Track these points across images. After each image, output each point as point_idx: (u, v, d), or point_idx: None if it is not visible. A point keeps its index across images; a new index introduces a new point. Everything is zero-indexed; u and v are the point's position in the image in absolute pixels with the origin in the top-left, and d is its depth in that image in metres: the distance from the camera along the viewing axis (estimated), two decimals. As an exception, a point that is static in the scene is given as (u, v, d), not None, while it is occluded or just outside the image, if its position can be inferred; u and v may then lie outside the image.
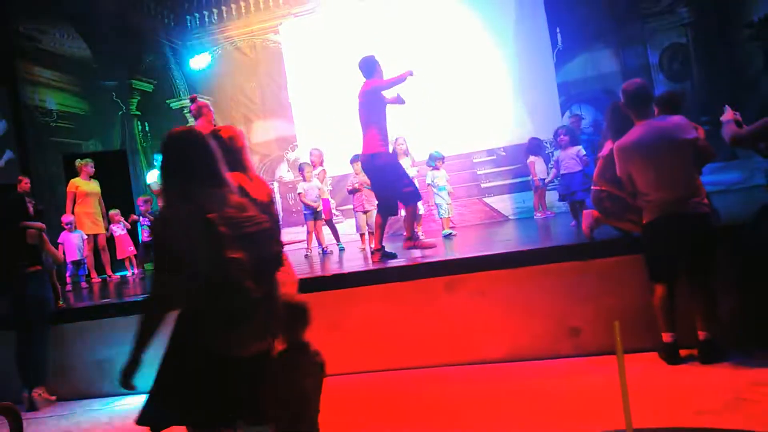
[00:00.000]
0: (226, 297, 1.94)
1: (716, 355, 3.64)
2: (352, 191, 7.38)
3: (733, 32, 8.43)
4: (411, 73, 5.21)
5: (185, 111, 10.92)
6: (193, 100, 5.62)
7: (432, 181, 7.64)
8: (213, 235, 1.91)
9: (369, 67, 5.35)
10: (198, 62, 10.74)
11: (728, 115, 3.77)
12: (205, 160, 2.11)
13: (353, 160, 7.41)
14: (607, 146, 4.31)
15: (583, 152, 6.62)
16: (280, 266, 2.20)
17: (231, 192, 2.13)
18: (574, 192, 6.45)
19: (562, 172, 6.57)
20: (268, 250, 2.09)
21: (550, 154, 7.79)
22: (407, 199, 5.30)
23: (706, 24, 8.61)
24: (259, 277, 2.02)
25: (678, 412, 3.04)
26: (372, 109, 5.27)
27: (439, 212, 7.68)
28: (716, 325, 3.70)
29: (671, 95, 4.57)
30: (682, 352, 3.76)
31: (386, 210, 5.41)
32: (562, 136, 6.57)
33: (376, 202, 5.77)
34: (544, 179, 8.08)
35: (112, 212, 8.38)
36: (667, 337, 3.77)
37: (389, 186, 5.28)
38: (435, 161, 7.62)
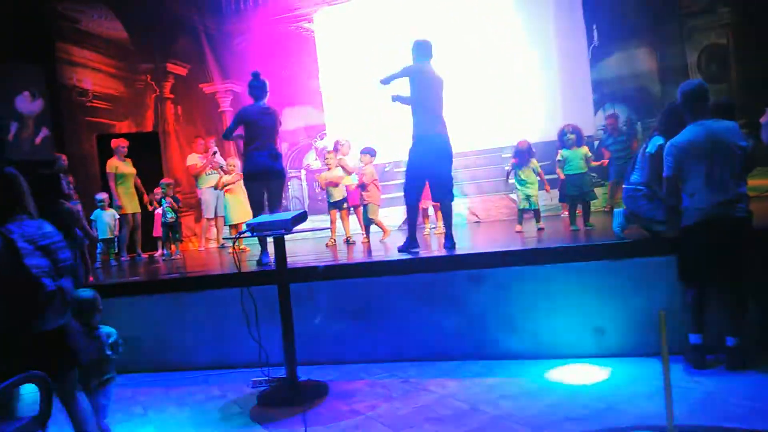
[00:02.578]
0: (28, 291, 2.68)
1: (744, 361, 3.59)
2: (364, 185, 7.34)
3: (774, 35, 8.21)
4: None
5: (218, 96, 11.03)
6: (257, 75, 5.68)
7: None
8: (11, 249, 2.66)
9: (427, 50, 5.35)
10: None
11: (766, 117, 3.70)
12: (8, 196, 2.83)
13: (364, 153, 7.41)
14: (654, 143, 4.23)
15: (590, 154, 6.49)
16: (72, 268, 2.99)
17: (31, 217, 2.86)
18: (587, 192, 6.34)
19: (571, 172, 6.40)
20: (60, 257, 2.85)
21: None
22: (451, 189, 5.25)
23: (747, 25, 8.39)
24: (54, 275, 2.78)
25: (703, 417, 3.00)
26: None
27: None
28: (745, 331, 3.65)
29: (729, 104, 4.55)
30: (709, 357, 3.72)
31: (415, 195, 5.32)
32: (569, 135, 6.44)
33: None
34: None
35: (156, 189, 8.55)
36: (694, 339, 3.73)
37: (448, 170, 5.23)
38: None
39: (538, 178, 6.86)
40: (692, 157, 3.69)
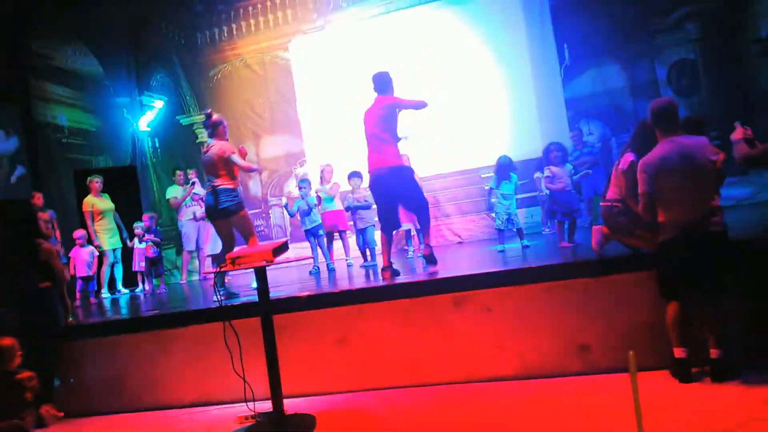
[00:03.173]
0: None
1: (729, 373, 3.61)
2: (357, 209, 7.35)
3: (741, 48, 8.43)
4: (426, 105, 5.35)
5: (195, 127, 11.02)
6: (209, 115, 5.59)
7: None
8: None
9: (385, 82, 5.41)
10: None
11: (738, 133, 3.76)
12: None
13: (351, 176, 7.42)
14: (626, 159, 4.30)
15: (572, 170, 6.56)
16: None
17: None
18: (577, 209, 6.38)
19: (559, 188, 6.43)
20: None
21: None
22: (426, 207, 5.42)
23: (714, 40, 8.60)
24: None
25: (689, 431, 3.00)
26: (391, 123, 5.34)
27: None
28: (728, 343, 3.67)
29: (699, 119, 4.71)
30: (694, 370, 3.73)
31: (389, 225, 5.44)
32: (555, 153, 6.50)
33: (375, 218, 5.75)
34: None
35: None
36: (679, 353, 3.75)
37: (417, 194, 5.41)
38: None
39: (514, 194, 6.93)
40: (665, 173, 3.74)
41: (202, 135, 10.90)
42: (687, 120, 4.54)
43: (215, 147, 5.45)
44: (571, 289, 4.25)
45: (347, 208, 7.48)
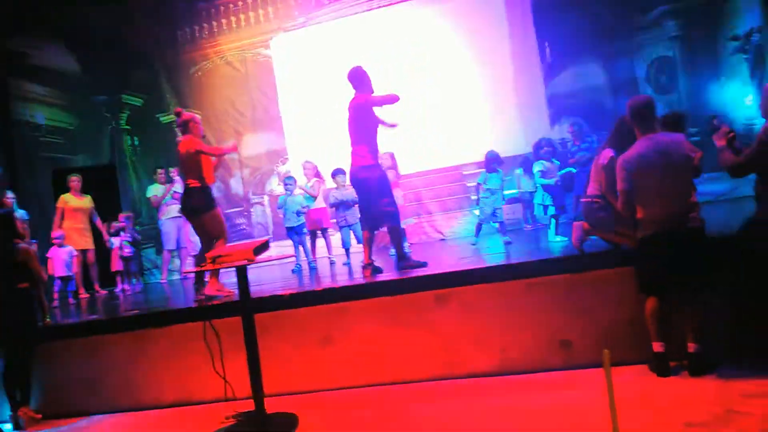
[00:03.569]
0: None
1: (706, 367, 3.66)
2: (341, 206, 7.33)
3: (719, 45, 8.53)
4: (398, 98, 5.24)
5: (175, 125, 10.91)
6: (178, 114, 5.41)
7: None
8: None
9: (358, 78, 5.35)
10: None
11: (721, 140, 3.77)
12: None
13: (335, 174, 7.41)
14: (605, 155, 4.33)
15: (559, 166, 6.60)
16: None
17: None
18: (564, 205, 6.44)
19: (550, 183, 6.49)
20: None
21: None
22: (384, 218, 5.26)
23: (693, 37, 8.70)
24: None
25: (667, 424, 3.03)
26: (363, 122, 5.26)
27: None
28: (706, 337, 3.71)
29: (677, 115, 4.75)
30: (672, 364, 3.77)
31: (371, 223, 5.39)
32: (546, 148, 6.54)
33: (359, 216, 5.68)
34: (533, 192, 8.12)
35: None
36: (657, 347, 3.78)
37: (373, 200, 5.24)
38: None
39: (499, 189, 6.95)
40: (643, 170, 3.78)
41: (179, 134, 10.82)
42: (665, 117, 4.63)
43: (181, 144, 5.34)
44: (552, 285, 4.27)
45: (332, 205, 7.45)
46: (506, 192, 7.21)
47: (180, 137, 5.47)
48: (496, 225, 6.94)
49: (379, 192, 5.23)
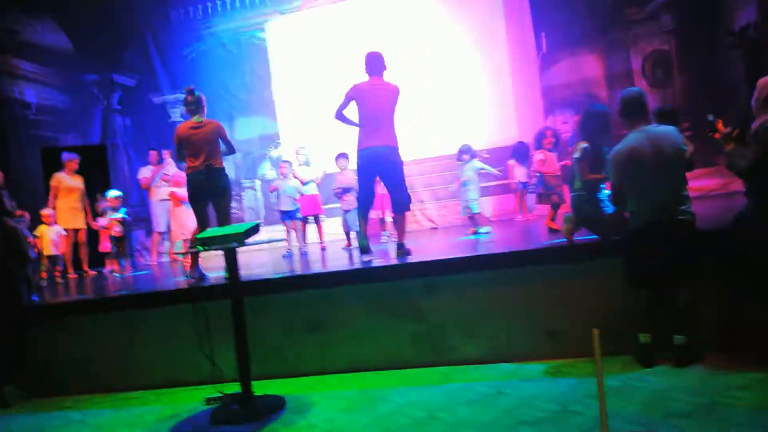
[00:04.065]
0: None
1: (691, 358, 3.69)
2: (345, 190, 7.32)
3: (714, 40, 8.53)
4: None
5: (168, 106, 10.83)
6: (191, 91, 5.34)
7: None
8: None
9: (383, 65, 5.37)
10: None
11: (730, 144, 3.69)
12: None
13: (339, 158, 7.39)
14: (579, 147, 4.40)
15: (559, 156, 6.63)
16: None
17: None
18: (562, 194, 6.46)
19: (549, 171, 6.48)
20: None
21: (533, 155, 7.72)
22: (408, 201, 5.37)
23: (689, 31, 8.69)
24: None
25: (651, 414, 3.06)
26: (394, 108, 5.32)
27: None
28: (692, 330, 3.74)
29: (671, 110, 4.83)
30: (657, 355, 3.80)
31: (397, 205, 5.40)
32: (550, 138, 6.56)
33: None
34: (526, 182, 8.14)
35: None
36: (643, 339, 3.81)
37: (399, 182, 5.32)
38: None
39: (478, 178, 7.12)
40: (635, 162, 3.78)
41: (175, 114, 10.73)
42: (660, 110, 4.67)
43: (213, 124, 5.36)
44: (542, 275, 4.28)
45: (342, 191, 7.40)
46: (495, 183, 7.23)
47: (197, 116, 5.36)
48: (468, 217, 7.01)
49: (403, 176, 5.36)
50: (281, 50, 10.43)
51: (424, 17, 9.67)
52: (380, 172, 5.35)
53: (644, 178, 3.76)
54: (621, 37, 9.05)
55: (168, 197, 8.18)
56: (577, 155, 4.42)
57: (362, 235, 5.35)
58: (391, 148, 5.26)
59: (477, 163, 7.25)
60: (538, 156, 6.54)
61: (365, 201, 5.44)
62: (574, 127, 8.41)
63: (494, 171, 7.47)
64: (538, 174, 6.70)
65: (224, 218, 5.42)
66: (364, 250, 5.27)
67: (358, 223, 5.31)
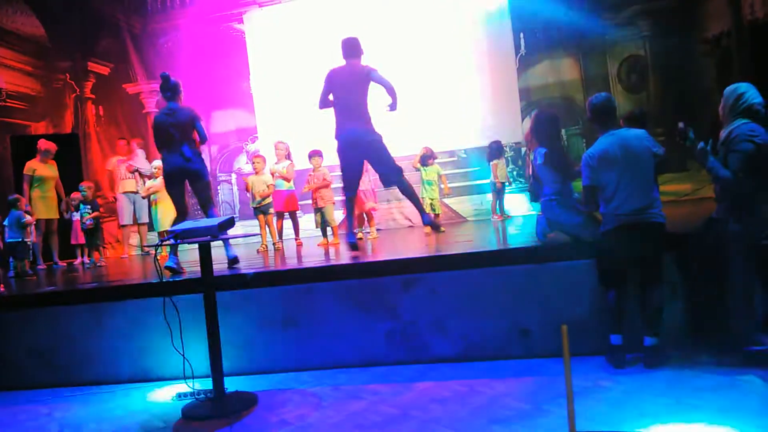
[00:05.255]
0: None
1: (661, 359, 3.75)
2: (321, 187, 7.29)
3: (688, 47, 8.68)
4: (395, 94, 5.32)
5: (142, 96, 10.65)
6: (167, 77, 5.24)
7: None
8: None
9: (359, 49, 5.42)
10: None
11: (704, 158, 3.74)
12: None
13: (312, 155, 7.33)
14: (539, 153, 4.48)
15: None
16: None
17: None
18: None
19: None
20: None
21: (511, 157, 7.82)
22: (398, 171, 5.38)
23: (664, 38, 8.83)
24: None
25: (621, 415, 3.11)
26: (366, 90, 5.30)
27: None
28: (662, 331, 3.81)
29: (641, 113, 4.96)
30: (628, 357, 3.86)
31: (388, 179, 5.42)
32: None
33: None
34: (505, 183, 8.20)
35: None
36: (614, 340, 3.87)
37: (386, 156, 5.34)
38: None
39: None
40: (607, 165, 3.85)
41: (150, 104, 10.56)
42: (630, 114, 4.80)
43: (187, 110, 5.27)
44: (515, 275, 4.32)
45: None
46: (478, 182, 7.34)
47: (171, 103, 5.26)
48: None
49: (386, 150, 5.36)
50: (260, 42, 10.32)
51: (402, 15, 9.65)
52: (361, 152, 5.33)
53: (616, 180, 3.82)
54: (598, 41, 9.15)
55: (133, 190, 8.17)
56: (540, 161, 4.46)
57: (350, 231, 5.35)
58: (366, 128, 5.26)
59: (439, 169, 7.64)
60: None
61: (350, 189, 5.43)
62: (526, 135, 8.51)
63: (445, 188, 7.88)
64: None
65: (205, 201, 5.37)
66: (353, 246, 5.27)
67: (334, 218, 5.32)
